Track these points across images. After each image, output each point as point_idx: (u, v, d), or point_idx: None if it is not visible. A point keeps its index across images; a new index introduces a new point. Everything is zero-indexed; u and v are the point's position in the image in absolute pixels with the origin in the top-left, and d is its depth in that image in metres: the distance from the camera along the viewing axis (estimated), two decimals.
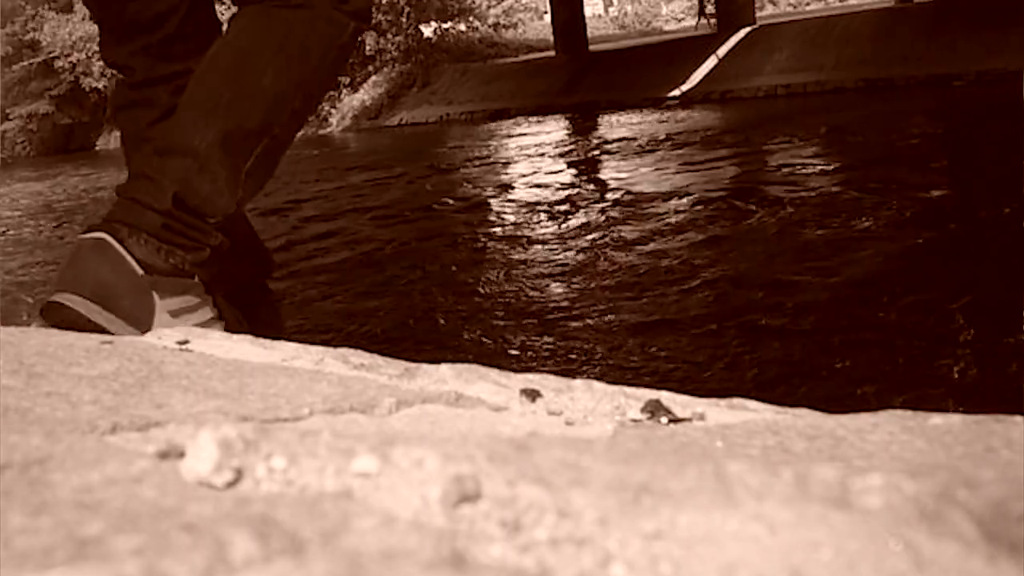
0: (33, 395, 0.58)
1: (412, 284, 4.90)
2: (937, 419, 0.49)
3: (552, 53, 18.43)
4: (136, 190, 1.11)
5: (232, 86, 1.13)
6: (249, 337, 0.89)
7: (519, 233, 5.59)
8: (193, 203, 1.11)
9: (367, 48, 20.04)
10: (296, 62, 1.15)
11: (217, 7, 1.32)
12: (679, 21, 30.32)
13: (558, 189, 6.81)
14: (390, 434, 0.52)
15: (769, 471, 0.36)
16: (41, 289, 6.02)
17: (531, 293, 4.25)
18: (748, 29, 14.48)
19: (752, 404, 0.63)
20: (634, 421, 0.60)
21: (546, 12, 21.07)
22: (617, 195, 5.99)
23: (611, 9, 33.56)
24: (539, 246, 4.99)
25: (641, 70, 14.01)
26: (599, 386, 0.66)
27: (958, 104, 9.29)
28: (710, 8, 16.00)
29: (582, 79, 14.83)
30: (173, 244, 1.10)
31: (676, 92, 12.98)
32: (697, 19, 17.56)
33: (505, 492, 0.35)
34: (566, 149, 9.71)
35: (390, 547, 0.31)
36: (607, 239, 4.72)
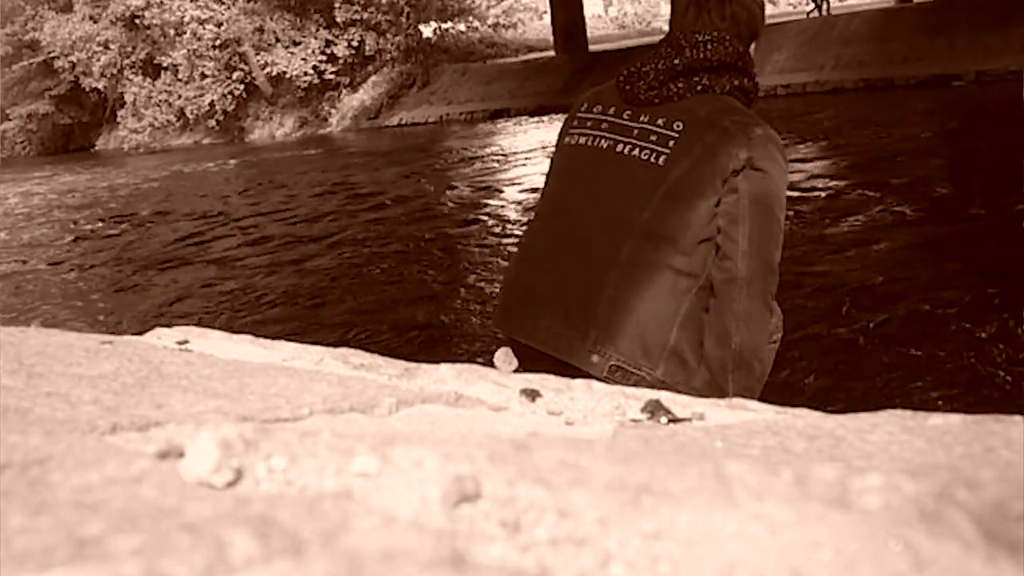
0: (33, 395, 0.58)
1: (410, 284, 4.90)
2: (937, 419, 0.49)
3: (552, 53, 18.43)
4: None
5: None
6: (249, 337, 0.88)
7: (518, 232, 5.58)
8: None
9: (367, 48, 20.02)
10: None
11: None
12: None
13: None
14: (390, 434, 0.52)
15: (769, 471, 0.36)
16: (30, 283, 6.04)
17: None
18: None
19: (752, 404, 0.63)
20: (634, 421, 0.60)
21: (546, 12, 21.07)
22: None
23: (611, 9, 33.55)
24: None
25: None
26: (599, 386, 0.66)
27: (958, 104, 9.29)
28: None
29: (582, 79, 14.84)
30: None
31: None
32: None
33: (505, 492, 0.35)
34: None
35: (390, 547, 0.31)
36: None
